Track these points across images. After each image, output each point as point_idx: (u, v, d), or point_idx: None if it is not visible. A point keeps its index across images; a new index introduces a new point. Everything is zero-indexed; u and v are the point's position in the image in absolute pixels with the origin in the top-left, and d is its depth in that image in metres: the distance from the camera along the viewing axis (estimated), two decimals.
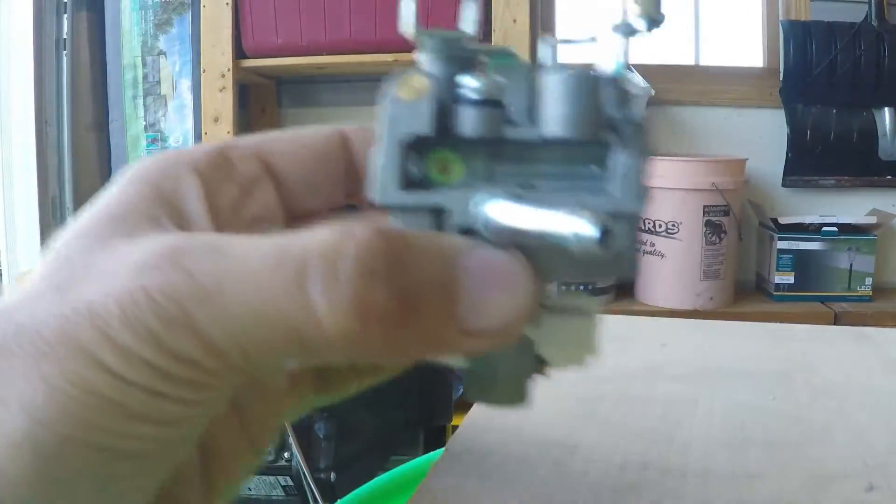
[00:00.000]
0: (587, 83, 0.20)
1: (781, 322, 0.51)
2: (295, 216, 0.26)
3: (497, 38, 1.82)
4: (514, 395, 0.24)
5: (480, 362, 0.24)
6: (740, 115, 2.12)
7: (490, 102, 0.21)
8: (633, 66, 2.05)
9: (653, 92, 1.98)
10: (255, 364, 0.19)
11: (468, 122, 0.21)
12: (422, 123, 0.21)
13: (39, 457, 0.18)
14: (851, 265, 1.92)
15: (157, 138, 2.16)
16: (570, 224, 0.18)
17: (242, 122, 2.24)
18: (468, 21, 0.22)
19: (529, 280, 0.20)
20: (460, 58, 0.22)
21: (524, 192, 0.20)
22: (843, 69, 2.00)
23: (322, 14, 1.92)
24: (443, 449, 0.31)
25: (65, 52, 2.24)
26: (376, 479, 0.62)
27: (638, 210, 0.20)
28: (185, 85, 2.13)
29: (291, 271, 0.18)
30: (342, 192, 0.26)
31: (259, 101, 2.35)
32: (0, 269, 2.30)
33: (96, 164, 2.32)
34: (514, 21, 1.81)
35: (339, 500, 0.59)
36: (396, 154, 0.21)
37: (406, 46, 1.88)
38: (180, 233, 0.21)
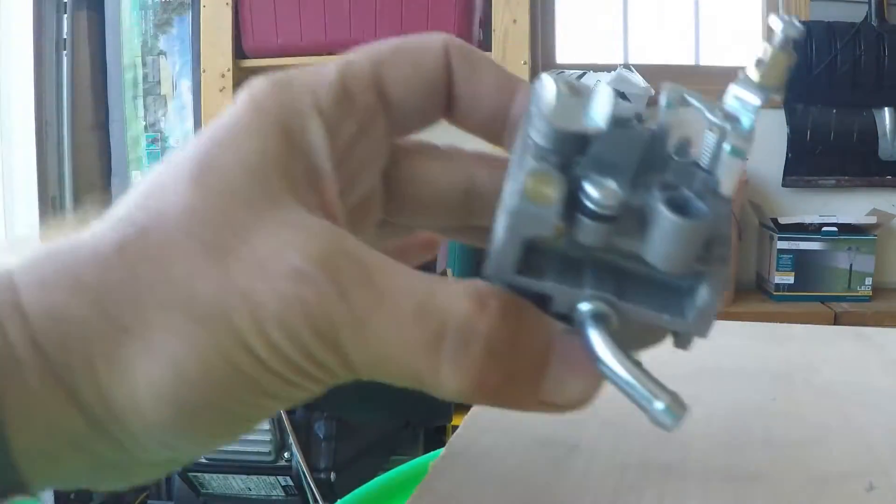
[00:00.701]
0: (698, 234, 0.22)
1: (781, 322, 0.51)
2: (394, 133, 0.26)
3: (497, 38, 1.82)
4: None
5: None
6: None
7: (608, 218, 0.22)
8: (634, 66, 2.05)
9: (653, 92, 1.98)
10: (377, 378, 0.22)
11: (585, 232, 0.22)
12: (545, 229, 0.22)
13: (178, 411, 0.20)
14: (851, 265, 1.92)
15: (156, 138, 2.16)
16: (652, 401, 0.22)
17: None
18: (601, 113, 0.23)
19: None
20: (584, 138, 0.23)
21: (616, 301, 0.23)
22: (842, 69, 2.00)
23: (322, 14, 1.92)
24: (443, 449, 0.31)
25: (65, 51, 2.24)
26: (376, 479, 0.62)
27: (703, 337, 0.24)
28: (185, 85, 2.13)
29: (431, 333, 0.21)
30: (441, 111, 0.27)
31: None
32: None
33: (96, 164, 2.32)
34: (514, 21, 1.81)
35: (338, 501, 0.59)
36: (515, 247, 0.22)
37: None
38: (326, 225, 0.22)
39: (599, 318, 0.23)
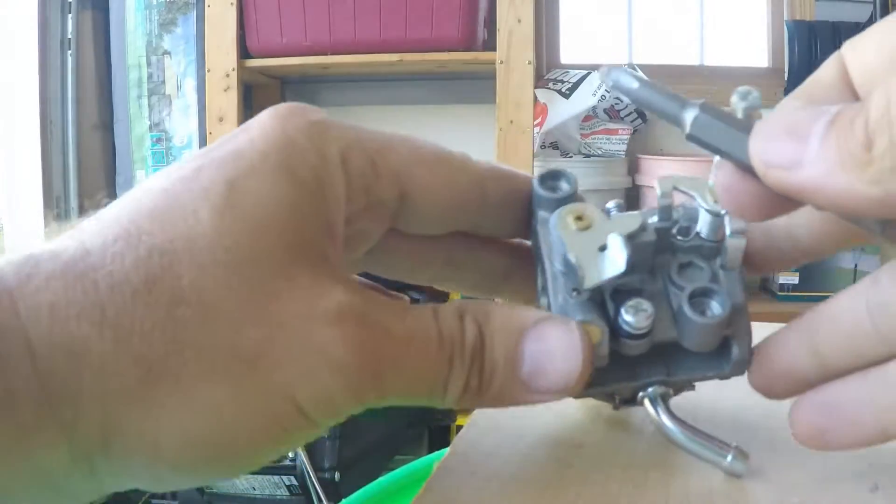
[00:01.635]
0: (721, 324, 0.26)
1: (786, 322, 0.51)
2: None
3: (501, 38, 1.81)
4: None
5: None
6: None
7: (645, 335, 0.26)
8: (639, 65, 2.05)
9: None
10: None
11: (629, 348, 0.26)
12: (598, 362, 0.26)
13: (203, 454, 0.20)
14: (856, 265, 1.92)
15: (161, 138, 2.17)
16: (722, 458, 0.27)
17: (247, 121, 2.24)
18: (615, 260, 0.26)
19: (587, 349, 0.24)
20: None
21: (668, 378, 0.28)
22: None
23: (327, 14, 1.92)
24: (447, 448, 0.31)
25: (69, 51, 2.24)
26: (380, 478, 0.62)
27: (741, 375, 0.28)
28: (190, 84, 2.13)
29: (446, 352, 0.23)
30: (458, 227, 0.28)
31: (264, 100, 2.35)
32: None
33: (101, 164, 2.32)
34: (519, 21, 1.81)
35: (343, 500, 0.59)
36: None
37: (410, 46, 1.87)
38: (351, 281, 0.23)
39: (659, 399, 0.27)
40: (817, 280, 1.91)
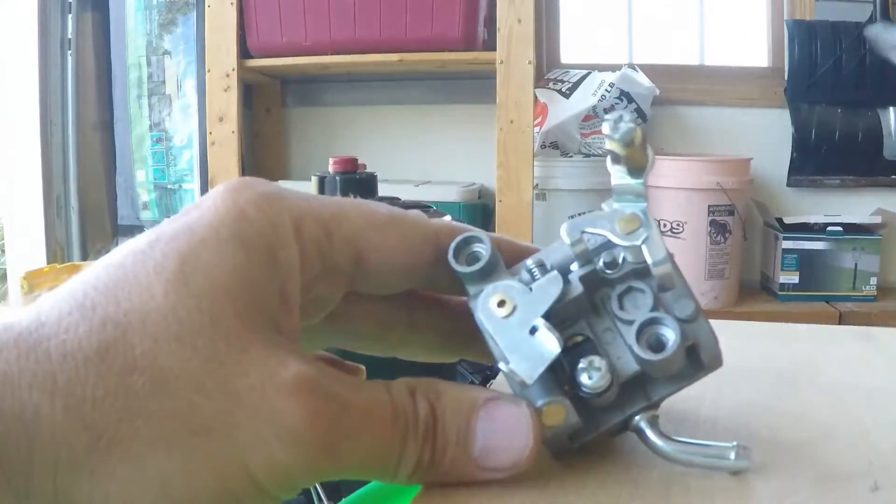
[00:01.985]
0: (679, 354, 0.26)
1: (786, 322, 0.51)
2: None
3: (502, 38, 1.81)
4: None
5: None
6: (745, 115, 2.11)
7: (608, 388, 0.26)
8: (639, 65, 2.05)
9: (657, 92, 1.98)
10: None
11: (599, 401, 0.27)
12: (571, 428, 0.27)
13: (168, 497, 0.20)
14: (856, 265, 1.92)
15: (161, 138, 2.17)
16: (722, 461, 0.27)
17: (247, 121, 2.25)
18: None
19: (536, 428, 0.25)
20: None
21: (650, 402, 0.28)
22: (847, 69, 1.99)
23: (327, 14, 1.92)
24: None
25: (69, 51, 2.24)
26: None
27: (721, 365, 0.28)
28: (190, 84, 2.13)
29: (400, 428, 0.23)
30: (414, 285, 0.29)
31: (264, 100, 2.35)
32: (4, 267, 2.31)
33: (101, 164, 2.32)
34: (519, 21, 1.81)
35: (343, 500, 0.59)
36: (560, 441, 0.27)
37: (410, 46, 1.87)
38: (310, 365, 0.22)
39: (647, 425, 0.27)
40: (817, 280, 1.91)
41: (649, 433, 0.27)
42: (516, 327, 0.25)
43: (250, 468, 0.20)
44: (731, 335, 0.48)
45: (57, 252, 2.26)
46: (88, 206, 2.33)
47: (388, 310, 0.30)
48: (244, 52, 1.99)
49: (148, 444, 0.19)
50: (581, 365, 0.26)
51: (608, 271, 0.28)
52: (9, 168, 2.22)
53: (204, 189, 2.09)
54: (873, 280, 1.92)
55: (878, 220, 1.94)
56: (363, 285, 0.27)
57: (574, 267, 0.27)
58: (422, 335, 0.31)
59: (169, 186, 2.18)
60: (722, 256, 1.87)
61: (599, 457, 0.29)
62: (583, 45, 2.32)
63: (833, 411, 0.34)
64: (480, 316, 0.26)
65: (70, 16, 2.22)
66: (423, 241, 0.27)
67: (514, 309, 0.26)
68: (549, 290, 0.26)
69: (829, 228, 1.92)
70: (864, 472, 0.28)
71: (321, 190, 0.97)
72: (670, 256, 0.26)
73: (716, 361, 0.28)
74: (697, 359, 0.27)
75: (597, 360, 0.26)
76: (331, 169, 0.97)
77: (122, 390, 0.19)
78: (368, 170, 1.02)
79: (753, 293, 2.04)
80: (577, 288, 0.27)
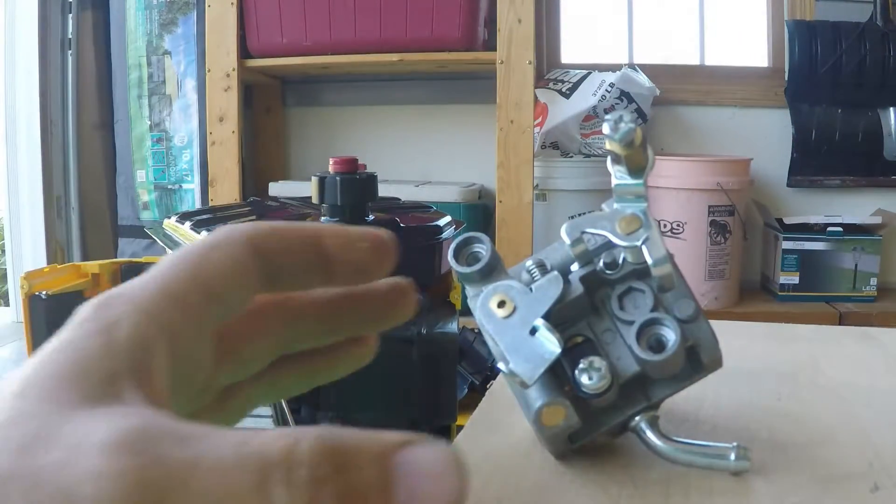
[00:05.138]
0: (679, 354, 0.26)
1: (786, 322, 0.51)
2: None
3: (502, 38, 1.81)
4: None
5: None
6: (745, 115, 2.12)
7: (608, 388, 0.26)
8: (639, 65, 2.05)
9: (657, 92, 1.98)
10: None
11: (599, 402, 0.27)
12: (571, 428, 0.27)
13: None
14: (856, 265, 1.92)
15: (161, 138, 2.17)
16: (723, 461, 0.27)
17: (247, 121, 2.25)
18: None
19: (462, 474, 0.22)
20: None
21: (650, 402, 0.28)
22: (848, 69, 1.99)
23: (327, 14, 1.92)
24: None
25: (70, 51, 2.24)
26: None
27: (722, 365, 0.29)
28: (190, 84, 2.13)
29: (255, 473, 0.20)
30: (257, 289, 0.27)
31: (264, 100, 2.35)
32: (4, 267, 2.31)
33: (101, 164, 2.32)
34: (519, 21, 1.81)
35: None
36: (560, 442, 0.28)
37: (410, 46, 1.87)
38: (143, 411, 0.22)
39: (647, 425, 0.27)
40: (817, 280, 1.91)
41: (649, 434, 0.27)
42: (516, 328, 0.26)
43: None
44: (732, 335, 0.48)
45: (57, 252, 2.26)
46: (88, 206, 2.33)
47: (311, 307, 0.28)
48: (244, 53, 1.99)
49: None
50: (581, 365, 0.26)
51: (608, 272, 0.28)
52: (9, 168, 2.22)
53: (204, 189, 2.09)
54: (873, 280, 1.92)
55: (878, 220, 1.94)
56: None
57: (574, 267, 0.28)
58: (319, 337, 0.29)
59: (169, 186, 2.18)
60: (722, 257, 1.87)
61: (599, 457, 0.29)
62: (583, 45, 2.32)
63: (833, 411, 0.34)
64: (481, 316, 0.26)
65: (70, 15, 2.22)
66: (242, 248, 0.26)
67: (515, 309, 0.26)
68: (549, 290, 0.26)
69: (830, 229, 1.92)
70: (864, 472, 0.28)
71: (321, 190, 0.97)
72: (670, 257, 0.26)
73: (716, 362, 0.28)
74: (697, 359, 0.27)
75: (597, 361, 0.26)
76: (331, 169, 0.97)
77: None
78: (368, 170, 1.02)
79: (753, 293, 2.04)
80: (578, 288, 0.27)
